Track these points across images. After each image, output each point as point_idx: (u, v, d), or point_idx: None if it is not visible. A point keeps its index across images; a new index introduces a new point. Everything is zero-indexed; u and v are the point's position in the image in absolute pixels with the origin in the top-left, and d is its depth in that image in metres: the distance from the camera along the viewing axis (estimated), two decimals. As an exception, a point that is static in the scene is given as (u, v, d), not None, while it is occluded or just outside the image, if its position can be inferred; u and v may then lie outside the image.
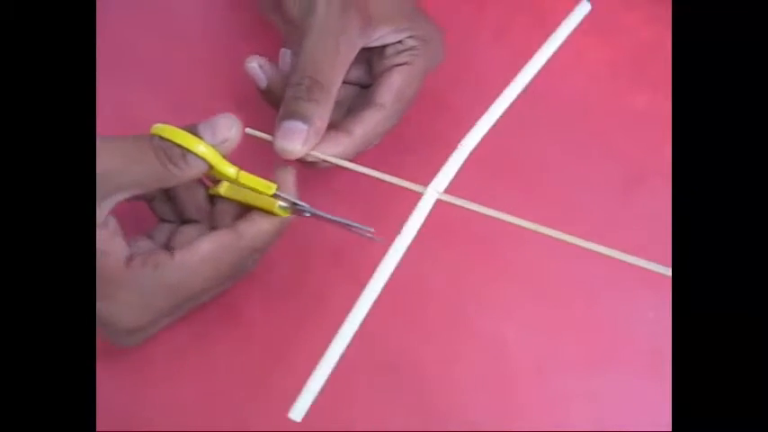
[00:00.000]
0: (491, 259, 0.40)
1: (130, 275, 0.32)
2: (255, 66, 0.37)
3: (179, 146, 0.32)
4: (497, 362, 0.37)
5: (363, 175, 0.34)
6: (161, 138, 0.32)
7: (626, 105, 0.43)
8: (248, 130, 0.35)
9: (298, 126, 0.34)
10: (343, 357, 0.34)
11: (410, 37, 0.38)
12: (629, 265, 0.39)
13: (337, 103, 0.38)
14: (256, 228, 0.34)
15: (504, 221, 0.32)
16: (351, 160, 0.36)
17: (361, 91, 0.40)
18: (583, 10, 0.35)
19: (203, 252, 0.33)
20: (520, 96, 0.35)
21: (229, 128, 0.32)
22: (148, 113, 0.43)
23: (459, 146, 0.33)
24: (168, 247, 0.35)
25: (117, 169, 0.31)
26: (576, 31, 0.45)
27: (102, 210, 0.31)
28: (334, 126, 0.36)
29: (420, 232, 0.40)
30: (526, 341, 0.38)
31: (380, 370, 0.37)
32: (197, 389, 0.37)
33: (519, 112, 0.43)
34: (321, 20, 0.36)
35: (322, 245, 0.40)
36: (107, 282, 0.32)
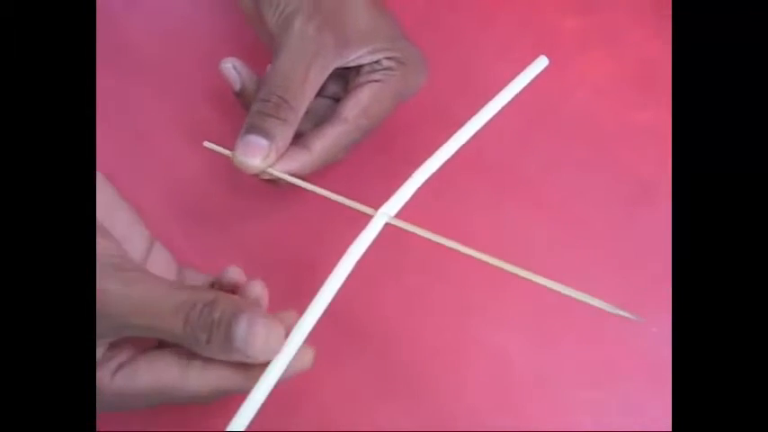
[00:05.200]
0: (496, 271, 0.39)
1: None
2: (230, 66, 0.38)
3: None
4: (501, 373, 0.37)
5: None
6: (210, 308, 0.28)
7: (631, 120, 0.43)
8: (206, 143, 0.35)
9: (260, 142, 0.34)
10: (347, 366, 0.34)
11: (387, 58, 0.38)
12: (632, 280, 0.39)
13: (309, 114, 0.38)
14: (204, 384, 0.30)
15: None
16: (308, 178, 0.35)
17: (334, 104, 0.40)
18: (540, 64, 0.35)
19: (141, 386, 0.30)
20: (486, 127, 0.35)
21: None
22: (150, 108, 0.44)
23: (411, 176, 0.33)
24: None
25: (141, 326, 0.29)
26: (582, 45, 0.46)
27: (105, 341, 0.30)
28: (295, 140, 0.36)
29: (428, 246, 0.40)
30: (530, 353, 0.37)
31: (385, 380, 0.37)
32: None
33: (525, 126, 0.43)
34: (296, 39, 0.36)
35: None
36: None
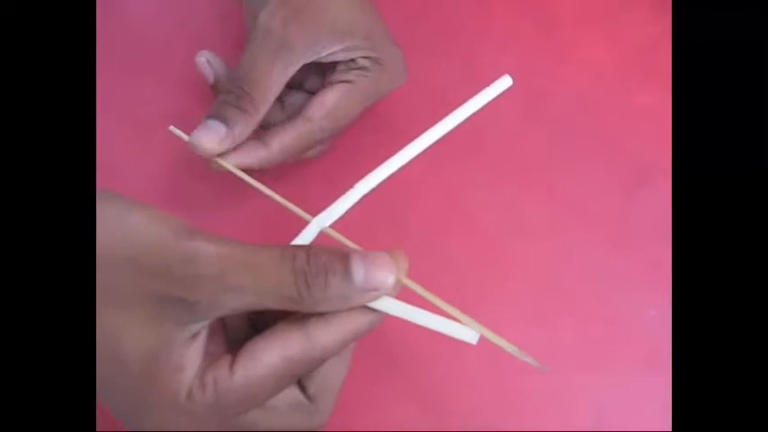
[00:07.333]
0: (494, 255, 0.40)
1: (187, 403, 0.26)
2: (204, 60, 0.38)
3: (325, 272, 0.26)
4: (498, 358, 0.37)
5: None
6: (308, 257, 0.26)
7: (631, 103, 0.43)
8: (171, 128, 0.34)
9: (218, 126, 0.34)
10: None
11: (364, 57, 0.37)
12: (631, 263, 0.39)
13: (285, 107, 0.38)
14: (333, 337, 0.27)
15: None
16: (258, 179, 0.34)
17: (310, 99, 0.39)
18: (504, 83, 0.34)
19: (267, 365, 0.26)
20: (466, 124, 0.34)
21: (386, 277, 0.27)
22: (150, 100, 0.44)
23: (353, 187, 0.32)
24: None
25: (242, 287, 0.25)
26: (581, 28, 0.45)
27: (205, 322, 0.26)
28: (254, 135, 0.36)
29: (426, 228, 0.40)
30: (528, 338, 0.37)
31: (382, 367, 0.37)
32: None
33: (524, 109, 0.43)
34: (260, 33, 0.35)
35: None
36: (164, 402, 0.26)
